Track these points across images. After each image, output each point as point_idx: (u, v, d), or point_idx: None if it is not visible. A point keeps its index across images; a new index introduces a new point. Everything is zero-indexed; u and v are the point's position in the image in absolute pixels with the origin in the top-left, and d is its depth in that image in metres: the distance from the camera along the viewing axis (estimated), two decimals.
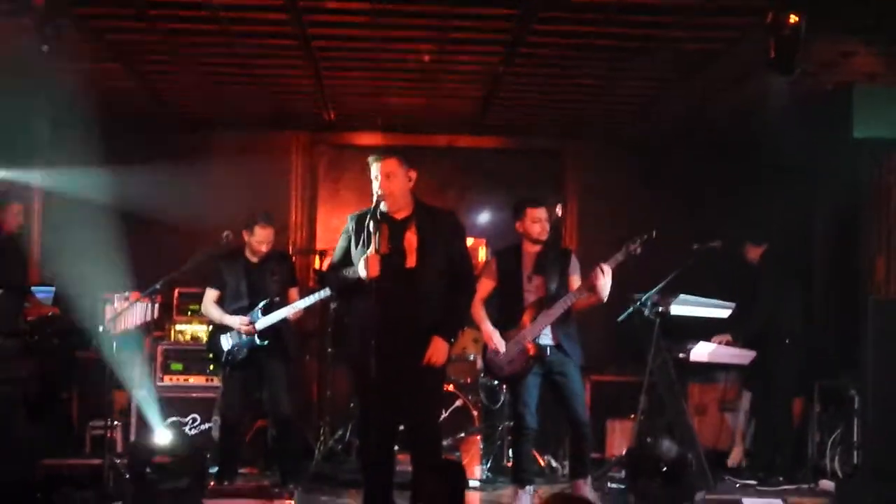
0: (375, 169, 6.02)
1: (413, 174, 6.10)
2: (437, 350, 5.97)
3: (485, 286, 7.56)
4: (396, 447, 6.43)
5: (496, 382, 9.17)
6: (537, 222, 7.41)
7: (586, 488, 7.47)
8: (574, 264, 7.57)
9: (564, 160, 11.08)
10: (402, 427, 6.37)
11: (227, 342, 7.85)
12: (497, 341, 7.36)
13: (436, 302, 6.01)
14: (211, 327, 8.14)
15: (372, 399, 6.01)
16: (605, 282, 7.12)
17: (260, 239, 7.89)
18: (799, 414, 9.06)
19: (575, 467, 7.58)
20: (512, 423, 7.78)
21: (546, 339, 7.35)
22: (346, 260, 6.14)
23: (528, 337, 7.29)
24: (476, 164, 11.10)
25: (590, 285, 7.19)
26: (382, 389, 5.86)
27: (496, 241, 10.24)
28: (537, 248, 7.48)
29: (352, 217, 6.19)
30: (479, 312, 7.50)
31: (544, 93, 9.10)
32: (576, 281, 7.48)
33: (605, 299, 7.23)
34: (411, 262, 5.96)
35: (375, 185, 6.00)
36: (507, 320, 7.45)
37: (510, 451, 9.00)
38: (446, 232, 6.14)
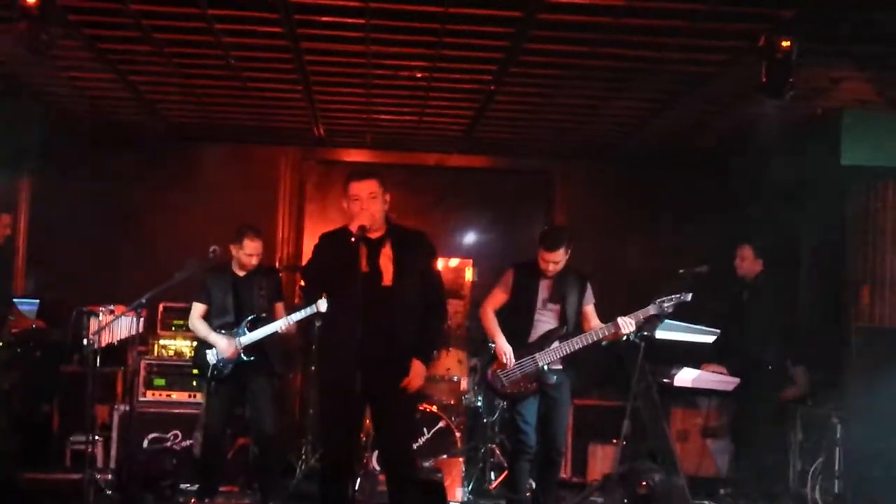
0: (356, 188, 6.02)
1: (388, 197, 6.13)
2: (417, 374, 6.02)
3: (498, 298, 7.58)
4: (378, 467, 6.42)
5: (479, 403, 9.15)
6: (547, 263, 7.38)
7: None
8: (589, 294, 7.59)
9: (554, 180, 11.08)
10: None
11: (212, 357, 7.79)
12: (509, 357, 7.33)
13: (412, 320, 6.05)
14: (196, 342, 8.08)
15: (338, 413, 5.98)
16: (626, 332, 7.25)
17: (249, 251, 7.84)
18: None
19: (542, 495, 7.58)
20: (512, 443, 7.71)
21: (556, 365, 7.41)
22: (318, 278, 6.24)
23: (540, 362, 7.30)
24: (465, 183, 11.10)
25: (613, 336, 7.28)
26: (354, 405, 5.89)
27: (483, 262, 10.27)
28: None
29: (324, 236, 6.22)
30: (492, 324, 7.51)
31: (535, 112, 9.10)
32: (590, 311, 7.54)
33: (624, 337, 7.32)
34: (387, 280, 5.99)
35: (355, 206, 5.99)
36: (511, 337, 7.42)
37: (492, 473, 8.99)
38: (419, 252, 6.18)
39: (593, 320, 7.54)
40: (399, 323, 5.99)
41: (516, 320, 7.50)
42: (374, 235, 6.01)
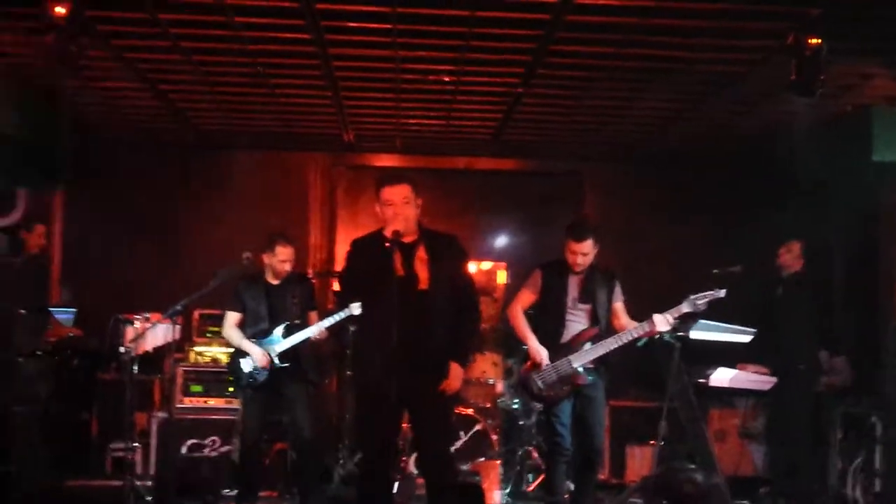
0: (389, 193, 5.97)
1: (420, 201, 6.08)
2: (455, 376, 5.98)
3: (526, 298, 7.47)
4: (415, 471, 6.41)
5: (515, 406, 9.15)
6: (576, 255, 7.25)
7: None
8: (618, 291, 7.47)
9: (584, 181, 11.05)
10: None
11: (247, 365, 7.78)
12: (545, 359, 7.23)
13: (447, 323, 6.00)
14: (232, 350, 8.10)
15: (375, 417, 5.99)
16: (660, 331, 7.17)
17: (283, 258, 7.84)
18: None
19: (582, 495, 7.50)
20: (549, 445, 7.60)
21: (589, 366, 7.25)
22: (353, 284, 6.21)
23: (575, 364, 7.19)
24: (495, 186, 11.09)
25: (648, 334, 7.20)
26: (391, 409, 5.89)
27: (515, 264, 10.27)
28: (583, 271, 7.40)
29: (356, 242, 6.19)
30: (523, 326, 7.39)
31: (563, 114, 9.11)
32: (620, 308, 7.44)
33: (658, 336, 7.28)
34: (423, 284, 5.94)
35: (388, 211, 5.96)
36: (542, 338, 7.31)
37: (530, 476, 8.98)
38: (451, 255, 6.14)
39: (624, 318, 7.42)
40: (435, 326, 5.95)
41: (547, 321, 7.40)
42: (407, 240, 5.97)
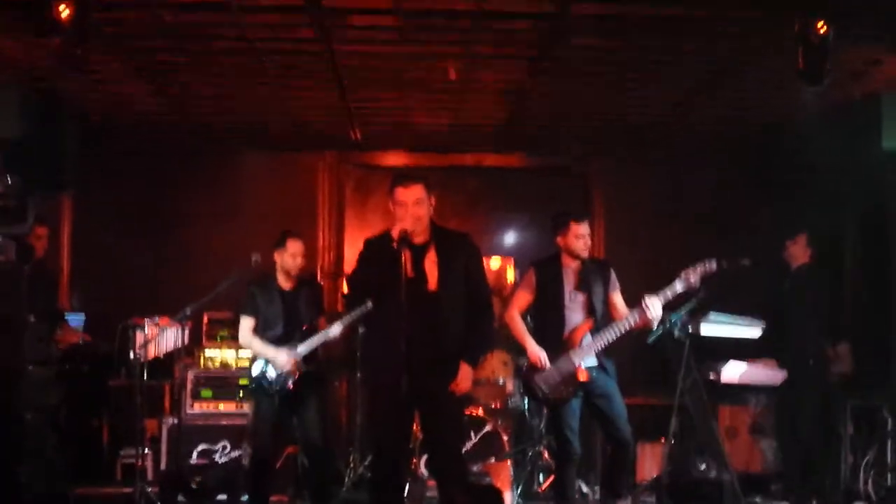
0: (402, 194, 5.95)
1: (434, 200, 6.07)
2: (465, 377, 5.95)
3: (522, 298, 7.45)
4: (426, 472, 6.37)
5: (526, 406, 9.12)
6: (581, 238, 7.25)
7: None
8: (614, 280, 7.41)
9: (591, 177, 11.00)
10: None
11: (272, 371, 7.67)
12: (544, 360, 7.18)
13: (458, 324, 5.98)
14: (252, 357, 7.98)
15: (386, 419, 5.98)
16: (654, 314, 7.08)
17: (293, 251, 7.74)
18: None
19: (611, 490, 7.44)
20: (557, 449, 7.59)
21: (590, 360, 7.21)
22: (363, 285, 6.18)
23: (575, 360, 7.14)
24: (503, 182, 11.06)
25: (642, 322, 7.14)
26: (402, 411, 5.88)
27: (524, 260, 10.23)
28: (577, 262, 7.34)
29: (368, 241, 6.16)
30: (520, 327, 7.38)
31: (570, 107, 9.07)
32: (617, 298, 7.38)
33: (655, 326, 7.20)
34: (432, 285, 5.92)
35: (400, 211, 5.94)
36: (544, 337, 7.29)
37: (541, 476, 8.93)
38: (463, 254, 6.10)
39: (622, 308, 7.34)
40: (445, 327, 5.93)
41: (547, 317, 7.37)
42: (418, 240, 5.95)
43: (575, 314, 7.28)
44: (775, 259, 8.87)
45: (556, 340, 7.24)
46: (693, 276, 7.18)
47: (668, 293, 7.17)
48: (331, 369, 9.40)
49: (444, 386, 5.91)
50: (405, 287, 5.74)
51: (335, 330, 7.61)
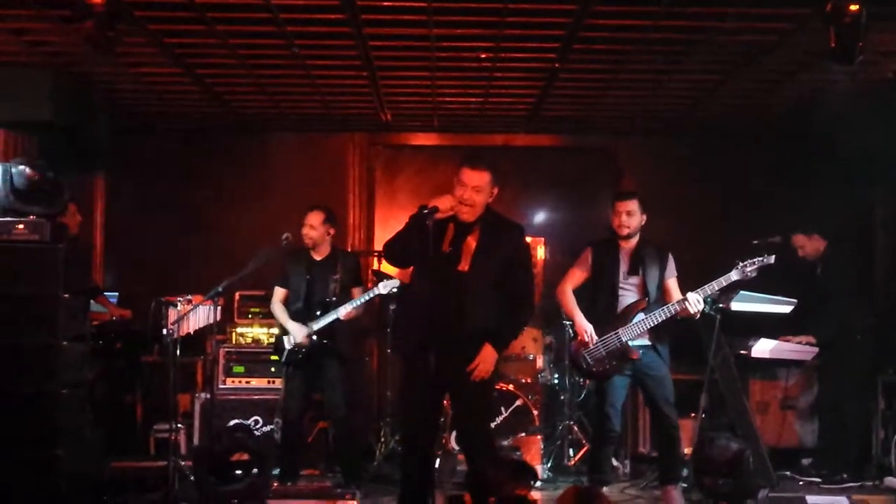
0: (466, 176, 5.96)
1: (496, 191, 6.07)
2: (485, 358, 5.94)
3: (577, 276, 7.54)
4: (456, 447, 6.42)
5: (556, 381, 9.18)
6: (617, 215, 7.35)
7: (676, 494, 7.42)
8: (671, 267, 7.49)
9: (621, 156, 10.99)
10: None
11: (288, 342, 7.92)
12: (591, 334, 7.27)
13: (485, 309, 5.97)
14: (278, 327, 8.20)
15: (415, 393, 6.04)
16: (695, 309, 7.16)
17: (310, 222, 7.99)
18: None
19: (666, 473, 7.50)
20: (596, 425, 7.69)
21: (642, 339, 7.29)
22: (398, 249, 6.13)
23: (624, 337, 7.22)
24: (533, 162, 11.06)
25: (683, 314, 7.21)
26: (431, 386, 5.91)
27: (554, 240, 10.31)
28: (633, 244, 7.42)
29: (413, 215, 6.06)
30: (570, 302, 7.47)
31: (600, 89, 9.06)
32: (673, 284, 7.45)
33: (698, 316, 7.26)
34: (464, 265, 5.95)
35: (459, 190, 5.95)
36: (598, 315, 7.38)
37: (570, 451, 8.99)
38: (509, 244, 6.09)
39: (675, 294, 7.39)
40: (470, 308, 5.92)
41: (601, 296, 7.44)
42: (466, 219, 5.98)
43: (629, 295, 7.37)
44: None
45: (607, 318, 7.33)
46: (750, 268, 7.21)
47: (723, 282, 7.22)
48: (360, 344, 9.47)
49: (466, 365, 5.93)
50: (438, 262, 5.82)
51: (343, 310, 7.76)
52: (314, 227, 7.99)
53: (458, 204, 5.92)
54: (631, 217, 7.34)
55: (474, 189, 5.93)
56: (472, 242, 5.97)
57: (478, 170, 5.97)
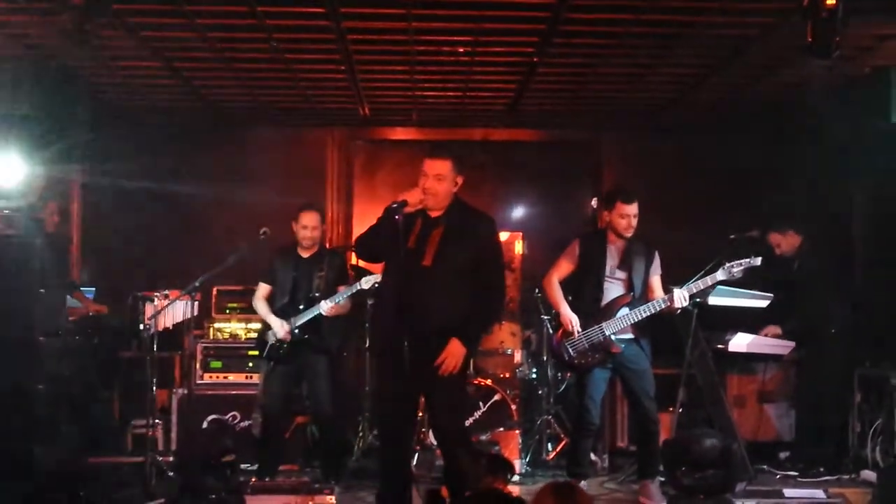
0: (428, 165, 5.96)
1: (461, 179, 6.04)
2: (452, 353, 5.86)
3: (564, 268, 7.55)
4: (435, 442, 6.41)
5: (534, 376, 9.19)
6: (625, 218, 7.35)
7: (654, 488, 7.45)
8: (656, 264, 7.54)
9: (601, 152, 11.01)
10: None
11: (271, 337, 7.90)
12: (575, 325, 7.30)
13: (452, 303, 5.90)
14: (261, 323, 8.19)
15: (389, 389, 6.04)
16: (679, 305, 7.21)
17: (304, 223, 7.91)
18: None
19: (644, 467, 7.54)
20: (575, 417, 7.74)
21: (626, 333, 7.34)
22: (366, 246, 6.19)
23: (607, 330, 7.27)
24: (512, 157, 11.07)
25: (668, 310, 7.26)
26: (400, 381, 5.88)
27: (533, 235, 10.28)
28: (622, 240, 7.45)
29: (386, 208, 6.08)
30: (555, 293, 7.49)
31: (580, 83, 9.07)
32: (656, 282, 7.49)
33: (678, 311, 7.30)
34: (427, 260, 5.89)
35: (422, 180, 5.94)
36: (580, 306, 7.41)
37: (549, 445, 9.00)
38: (476, 235, 6.02)
39: (658, 291, 7.46)
40: (436, 303, 5.86)
41: (586, 289, 7.47)
42: (433, 214, 5.97)
43: (613, 289, 7.41)
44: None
45: (592, 310, 7.37)
46: (737, 269, 7.24)
47: (709, 281, 7.25)
48: (343, 339, 9.44)
49: (433, 360, 5.87)
50: (404, 258, 5.80)
51: (324, 306, 7.75)
52: (314, 227, 7.96)
53: (423, 195, 5.90)
54: (635, 219, 7.38)
55: (436, 177, 5.91)
56: (436, 236, 5.93)
57: (438, 158, 5.97)
